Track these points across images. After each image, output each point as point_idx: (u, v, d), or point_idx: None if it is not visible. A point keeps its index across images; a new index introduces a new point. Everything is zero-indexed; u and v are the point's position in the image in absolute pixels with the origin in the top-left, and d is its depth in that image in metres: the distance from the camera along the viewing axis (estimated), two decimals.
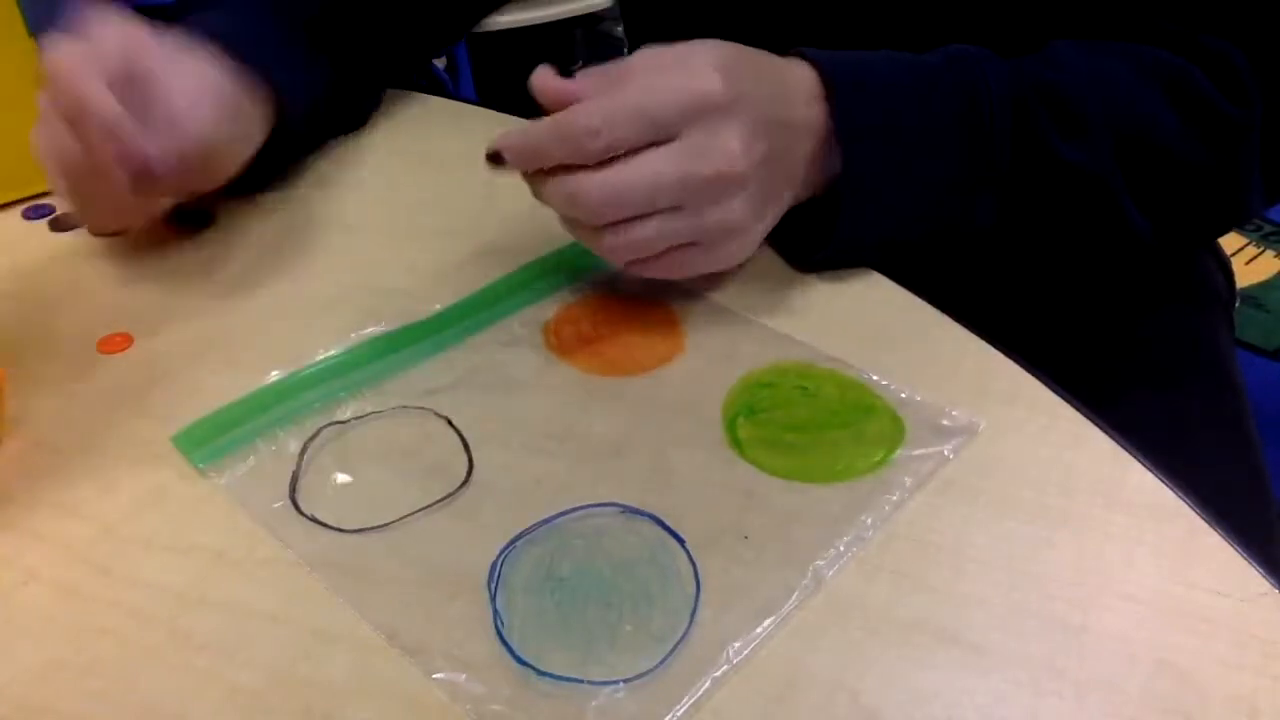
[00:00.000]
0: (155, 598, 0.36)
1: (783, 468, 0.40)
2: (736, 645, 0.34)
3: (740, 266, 0.50)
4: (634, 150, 0.42)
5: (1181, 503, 0.39)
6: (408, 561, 0.37)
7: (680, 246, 0.45)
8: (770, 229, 0.47)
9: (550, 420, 0.43)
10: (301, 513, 0.39)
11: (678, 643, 0.34)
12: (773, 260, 0.52)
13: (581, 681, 0.32)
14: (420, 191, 0.59)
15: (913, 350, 0.46)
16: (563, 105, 0.43)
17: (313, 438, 0.42)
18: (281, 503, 0.39)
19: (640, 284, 0.49)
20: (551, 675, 0.33)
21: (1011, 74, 0.49)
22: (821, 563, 0.36)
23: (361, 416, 0.43)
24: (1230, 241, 1.75)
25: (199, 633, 0.34)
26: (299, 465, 0.40)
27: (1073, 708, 0.32)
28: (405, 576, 0.36)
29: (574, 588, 0.36)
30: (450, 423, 0.42)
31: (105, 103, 0.44)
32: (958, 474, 0.40)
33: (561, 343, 0.47)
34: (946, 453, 0.41)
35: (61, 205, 0.57)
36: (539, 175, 0.44)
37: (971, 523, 0.38)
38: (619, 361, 0.46)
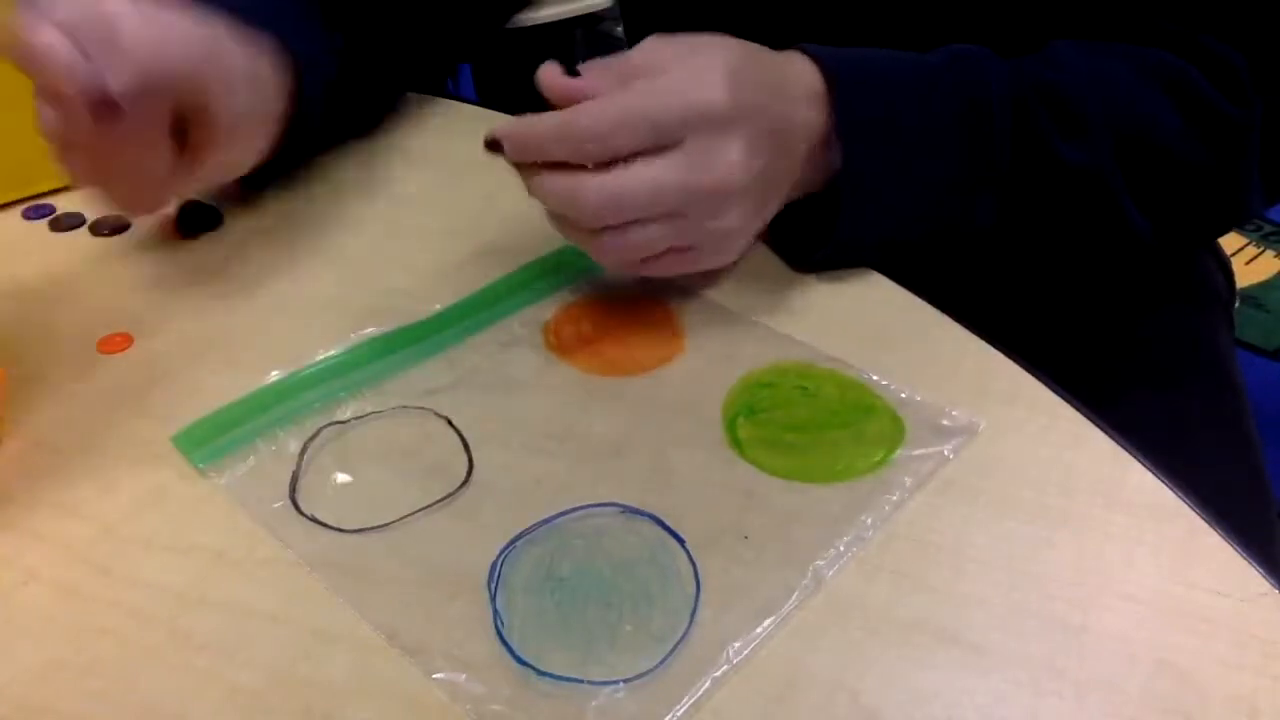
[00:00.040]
0: (155, 598, 0.36)
1: (783, 468, 0.40)
2: (736, 645, 0.34)
3: (740, 266, 0.50)
4: (635, 154, 0.42)
5: (1181, 503, 0.39)
6: (408, 561, 0.37)
7: (673, 250, 0.45)
8: (765, 225, 0.48)
9: (550, 420, 0.43)
10: (301, 513, 0.39)
11: (678, 643, 0.34)
12: (773, 260, 0.52)
13: (581, 681, 0.32)
14: (420, 191, 0.59)
15: (913, 350, 0.46)
16: (569, 102, 0.43)
17: (313, 438, 0.42)
18: (281, 503, 0.39)
19: (640, 284, 0.49)
20: (551, 675, 0.33)
21: (1012, 74, 0.49)
22: (821, 563, 0.36)
23: (361, 416, 0.43)
24: (1230, 241, 1.75)
25: (199, 633, 0.34)
26: (299, 465, 0.40)
27: (1073, 708, 0.32)
28: (405, 576, 0.36)
29: (574, 588, 0.36)
30: (450, 423, 0.42)
31: (51, 42, 0.42)
32: (958, 474, 0.40)
33: (561, 343, 0.47)
34: (946, 453, 0.41)
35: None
36: (533, 168, 0.44)
37: (971, 523, 0.38)
38: (619, 361, 0.46)
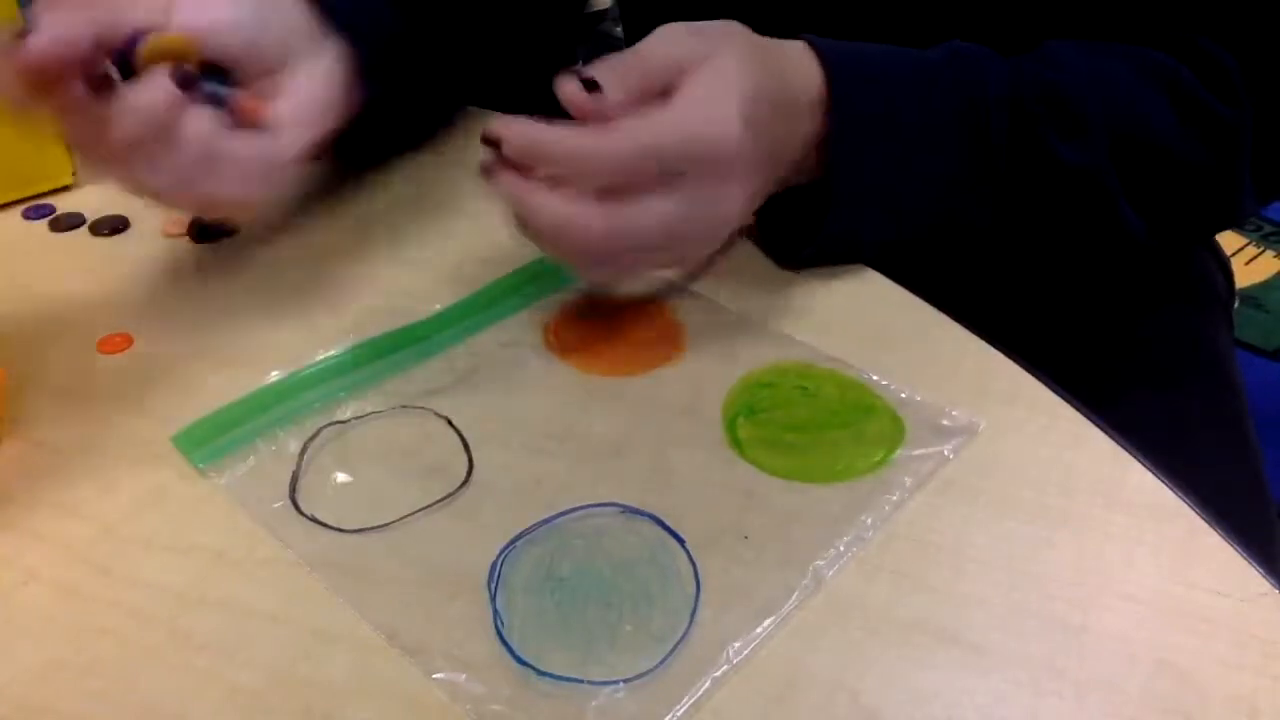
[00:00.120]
0: (155, 598, 0.36)
1: (783, 468, 0.40)
2: (736, 645, 0.34)
3: (740, 266, 0.50)
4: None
5: (1181, 503, 0.39)
6: (408, 561, 0.37)
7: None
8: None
9: (550, 420, 0.43)
10: (301, 513, 0.39)
11: (678, 643, 0.34)
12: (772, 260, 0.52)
13: (581, 681, 0.32)
14: (421, 191, 0.59)
15: (913, 350, 0.46)
16: (588, 120, 0.42)
17: (313, 438, 0.42)
18: (281, 503, 0.39)
19: (640, 284, 0.49)
20: (551, 675, 0.33)
21: (1011, 73, 0.49)
22: (821, 563, 0.36)
23: (361, 416, 0.43)
24: (1230, 241, 1.75)
25: (199, 633, 0.34)
26: (299, 465, 0.40)
27: (1073, 708, 0.32)
28: (405, 576, 0.36)
29: (574, 588, 0.36)
30: (450, 423, 0.42)
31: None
32: (958, 474, 0.40)
33: (561, 343, 0.47)
34: (946, 453, 0.41)
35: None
36: (525, 185, 0.42)
37: (971, 523, 0.38)
38: (619, 361, 0.46)
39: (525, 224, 0.43)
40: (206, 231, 0.55)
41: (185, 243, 0.55)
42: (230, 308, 0.50)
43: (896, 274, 0.51)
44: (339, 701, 0.32)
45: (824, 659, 0.33)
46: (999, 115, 0.48)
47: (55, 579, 0.36)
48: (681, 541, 0.37)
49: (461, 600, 0.35)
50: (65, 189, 0.59)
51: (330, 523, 0.38)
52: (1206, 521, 0.38)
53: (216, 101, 0.44)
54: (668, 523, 0.38)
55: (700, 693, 0.32)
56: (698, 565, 0.36)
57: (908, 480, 0.40)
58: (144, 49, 0.42)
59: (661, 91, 0.42)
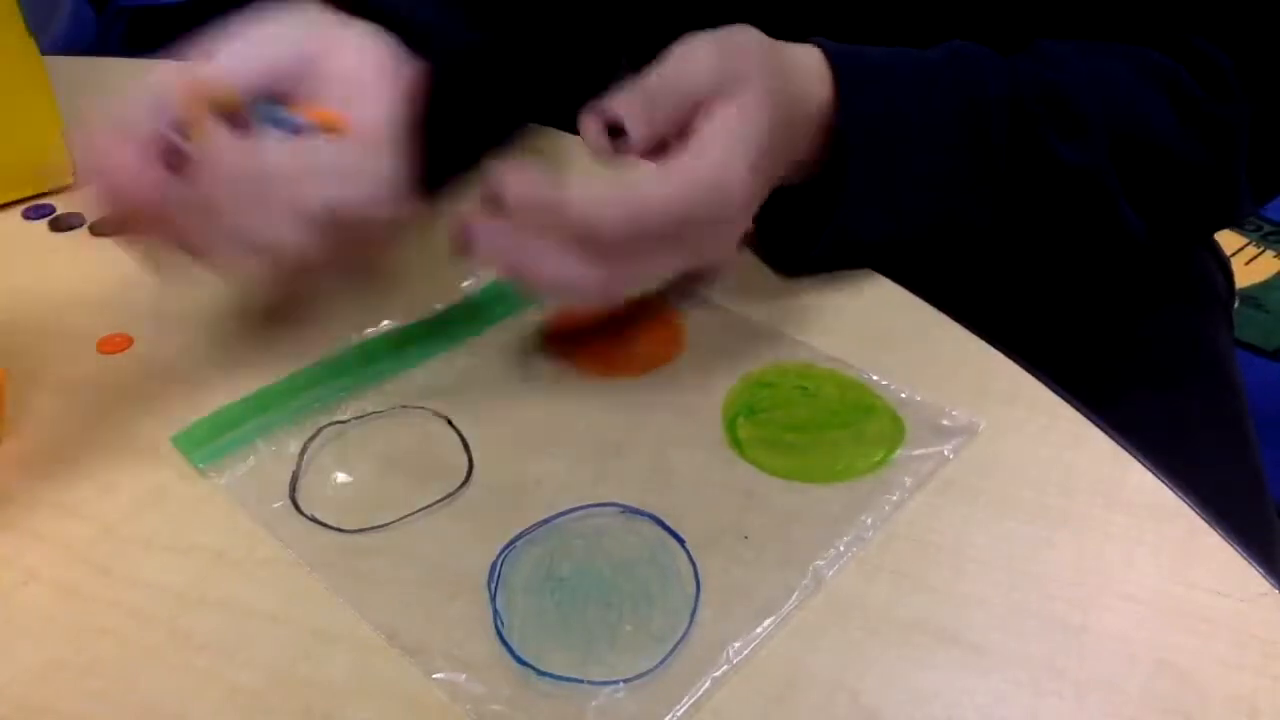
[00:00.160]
0: (155, 598, 0.36)
1: (783, 468, 0.40)
2: (736, 645, 0.34)
3: (740, 266, 0.50)
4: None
5: (1181, 503, 0.39)
6: (408, 561, 0.37)
7: None
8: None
9: (550, 420, 0.43)
10: (301, 513, 0.39)
11: (678, 643, 0.34)
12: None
13: (581, 681, 0.32)
14: None
15: (913, 350, 0.46)
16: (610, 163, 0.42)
17: (313, 438, 0.42)
18: (281, 503, 0.39)
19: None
20: (551, 675, 0.33)
21: (1010, 73, 0.49)
22: (821, 563, 0.36)
23: (361, 416, 0.43)
24: (1230, 241, 1.75)
25: (199, 633, 0.34)
26: (299, 465, 0.40)
27: (1073, 708, 0.32)
28: (405, 576, 0.36)
29: (574, 588, 0.36)
30: (450, 423, 0.42)
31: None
32: (958, 474, 0.40)
33: (561, 343, 0.47)
34: (946, 453, 0.41)
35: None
36: (504, 225, 0.41)
37: (971, 523, 0.38)
38: (619, 361, 0.46)
39: (516, 276, 0.42)
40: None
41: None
42: (230, 308, 0.50)
43: (897, 274, 0.51)
44: (339, 701, 0.32)
45: (824, 659, 0.33)
46: (999, 115, 0.48)
47: (55, 579, 0.36)
48: (681, 541, 0.37)
49: (461, 600, 0.35)
50: (65, 189, 0.59)
51: (330, 523, 0.38)
52: (1206, 521, 0.38)
53: (286, 128, 0.42)
54: (668, 523, 0.38)
55: (700, 693, 0.32)
56: (698, 565, 0.36)
57: (908, 480, 0.40)
58: (185, 108, 0.40)
59: (679, 130, 0.42)
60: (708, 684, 0.33)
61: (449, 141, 0.49)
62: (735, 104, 0.42)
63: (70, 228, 0.56)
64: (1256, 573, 0.36)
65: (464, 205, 0.41)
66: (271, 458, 0.41)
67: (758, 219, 0.46)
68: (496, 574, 0.36)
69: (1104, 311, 0.63)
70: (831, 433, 0.42)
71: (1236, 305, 0.73)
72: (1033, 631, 0.34)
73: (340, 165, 0.41)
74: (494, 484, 0.40)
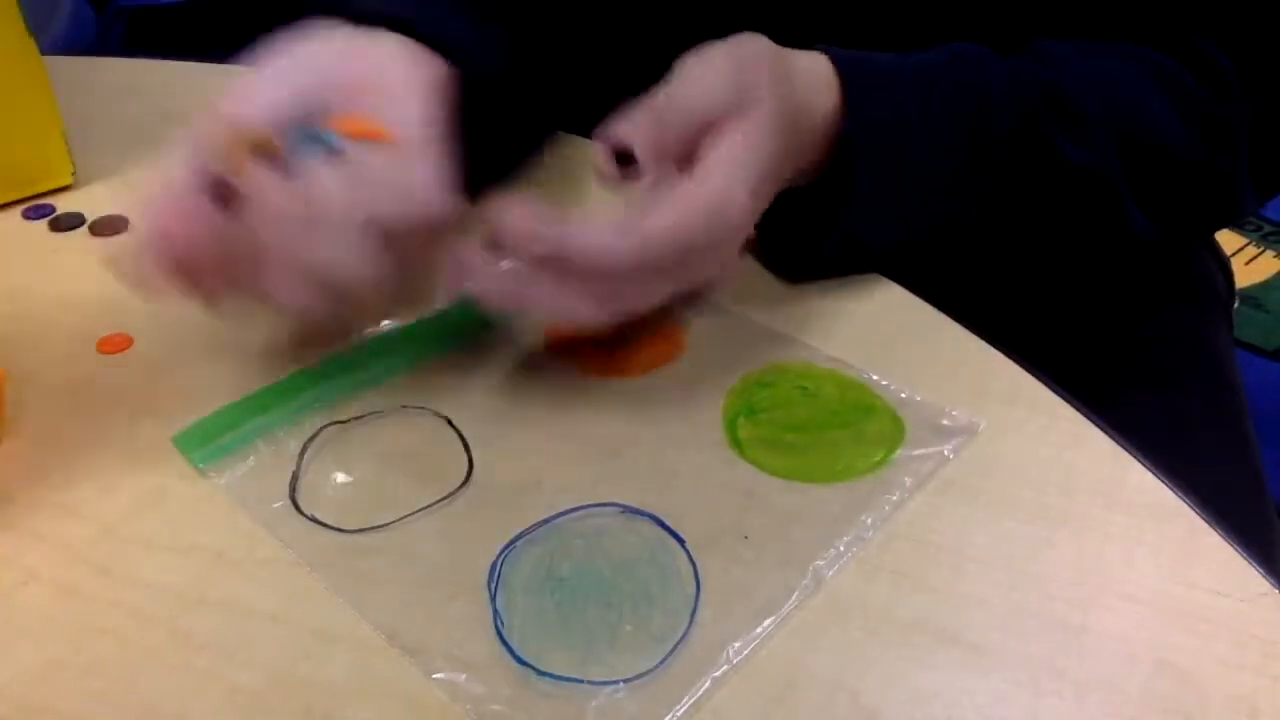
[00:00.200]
0: (155, 598, 0.36)
1: (783, 468, 0.40)
2: (736, 645, 0.34)
3: (741, 267, 0.50)
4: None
5: (1181, 503, 0.39)
6: (408, 561, 0.37)
7: None
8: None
9: (550, 420, 0.43)
10: (301, 513, 0.39)
11: (678, 643, 0.34)
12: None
13: (581, 681, 0.32)
14: None
15: (913, 350, 0.46)
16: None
17: (313, 438, 0.42)
18: (281, 503, 0.39)
19: None
20: (551, 675, 0.33)
21: (1012, 74, 0.49)
22: (821, 563, 0.36)
23: (361, 416, 0.43)
24: (1230, 241, 1.75)
25: (199, 633, 0.34)
26: (299, 465, 0.40)
27: (1073, 708, 0.32)
28: (405, 576, 0.36)
29: (574, 588, 0.36)
30: (450, 423, 0.42)
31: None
32: (958, 474, 0.40)
33: (561, 343, 0.47)
34: (946, 453, 0.41)
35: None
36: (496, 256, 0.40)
37: (971, 523, 0.38)
38: (619, 362, 0.46)
39: (515, 310, 0.42)
40: None
41: None
42: (230, 307, 0.50)
43: (897, 274, 0.51)
44: (339, 701, 0.32)
45: (824, 659, 0.33)
46: (1001, 116, 0.48)
47: (55, 579, 0.36)
48: (681, 541, 0.37)
49: (461, 600, 0.35)
50: (65, 189, 0.59)
51: (330, 523, 0.38)
52: (1206, 521, 0.38)
53: (327, 148, 0.41)
54: (668, 523, 0.38)
55: (700, 693, 0.32)
56: (698, 565, 0.36)
57: (908, 480, 0.40)
58: (227, 156, 0.40)
59: (687, 151, 0.42)
60: (708, 684, 0.33)
61: (483, 149, 0.47)
62: (743, 127, 0.42)
63: (70, 228, 0.56)
64: (1256, 573, 0.36)
65: (459, 240, 0.41)
66: (271, 458, 0.41)
67: (760, 224, 0.46)
68: (496, 574, 0.36)
69: (1104, 311, 0.63)
70: (831, 433, 0.42)
71: (1236, 305, 0.73)
72: (1033, 631, 0.34)
73: (387, 178, 0.41)
74: (494, 484, 0.40)
